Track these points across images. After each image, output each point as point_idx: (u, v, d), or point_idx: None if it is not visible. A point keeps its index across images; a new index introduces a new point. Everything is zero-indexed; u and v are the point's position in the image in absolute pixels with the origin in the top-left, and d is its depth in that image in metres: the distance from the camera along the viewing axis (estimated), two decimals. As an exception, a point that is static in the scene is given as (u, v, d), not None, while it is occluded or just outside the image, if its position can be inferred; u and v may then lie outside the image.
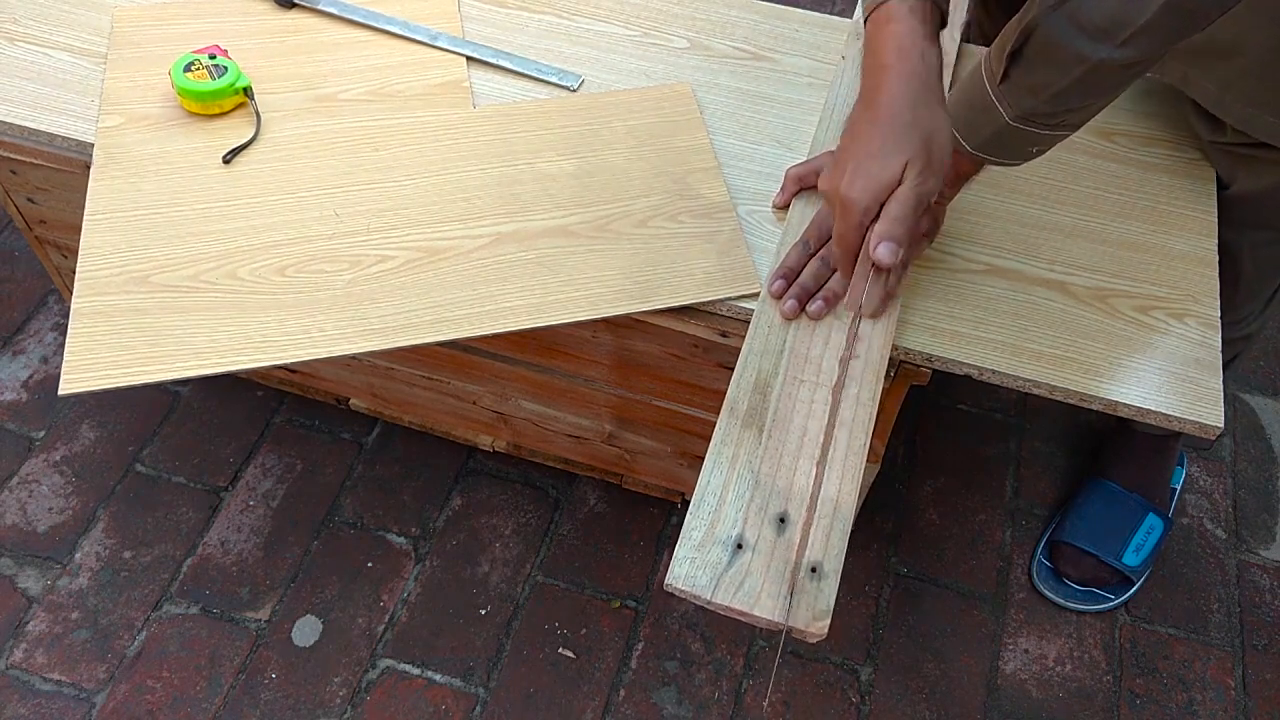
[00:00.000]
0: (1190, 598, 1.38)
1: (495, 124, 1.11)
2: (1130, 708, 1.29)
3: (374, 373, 1.34)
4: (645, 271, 0.99)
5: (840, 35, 1.22)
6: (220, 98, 1.10)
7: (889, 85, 0.80)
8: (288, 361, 0.93)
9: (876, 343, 0.92)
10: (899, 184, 0.80)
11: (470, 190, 1.05)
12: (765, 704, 1.27)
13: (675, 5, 1.25)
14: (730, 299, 0.98)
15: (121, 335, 0.94)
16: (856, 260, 0.86)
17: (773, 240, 1.02)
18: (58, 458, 1.46)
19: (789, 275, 0.96)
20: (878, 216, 0.82)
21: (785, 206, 1.05)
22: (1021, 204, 1.07)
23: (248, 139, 1.09)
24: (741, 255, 1.00)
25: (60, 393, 0.90)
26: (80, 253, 0.99)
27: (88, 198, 1.04)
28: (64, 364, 0.91)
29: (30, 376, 1.54)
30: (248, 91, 1.11)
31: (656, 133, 1.10)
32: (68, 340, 0.93)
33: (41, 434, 1.48)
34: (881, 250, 0.80)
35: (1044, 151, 0.90)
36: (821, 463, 0.85)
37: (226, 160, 1.07)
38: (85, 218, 1.02)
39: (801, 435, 0.86)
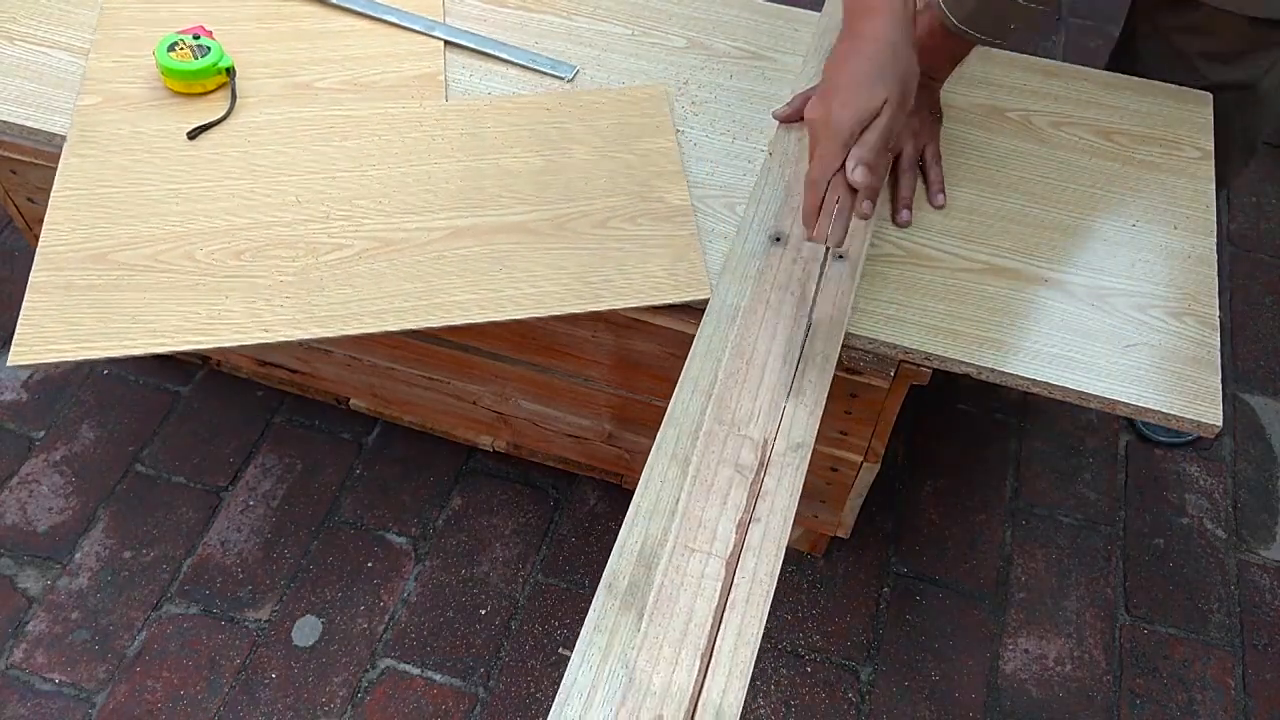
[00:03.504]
0: (1190, 598, 1.38)
1: (465, 118, 1.12)
2: (1130, 708, 1.29)
3: (374, 373, 1.34)
4: (598, 272, 1.00)
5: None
6: (203, 77, 1.11)
7: (876, 24, 0.86)
8: (232, 346, 0.94)
9: (780, 503, 0.83)
10: (878, 115, 0.84)
11: (432, 183, 1.06)
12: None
13: (674, 5, 1.25)
14: (677, 304, 0.98)
15: (75, 311, 0.95)
16: (830, 182, 0.87)
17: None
18: (58, 458, 1.46)
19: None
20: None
21: (786, 120, 1.10)
22: (1021, 203, 1.07)
23: (216, 119, 1.09)
24: (695, 261, 1.00)
25: (9, 364, 0.92)
26: (43, 228, 1.00)
27: (57, 174, 1.05)
28: (15, 336, 0.92)
29: (30, 376, 1.54)
30: (230, 72, 1.12)
31: (625, 134, 1.11)
32: (21, 313, 0.94)
33: (41, 434, 1.49)
34: (859, 173, 0.84)
35: (1020, 32, 0.98)
36: (706, 656, 0.75)
37: (191, 136, 1.08)
38: (52, 193, 1.03)
39: (687, 619, 0.77)
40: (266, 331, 0.94)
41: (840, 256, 0.97)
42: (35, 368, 1.53)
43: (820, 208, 0.87)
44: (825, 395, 0.89)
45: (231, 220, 1.02)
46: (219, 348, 0.95)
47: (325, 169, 1.07)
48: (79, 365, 1.55)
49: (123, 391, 1.53)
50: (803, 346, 0.92)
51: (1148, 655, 1.33)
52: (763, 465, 0.85)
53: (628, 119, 1.12)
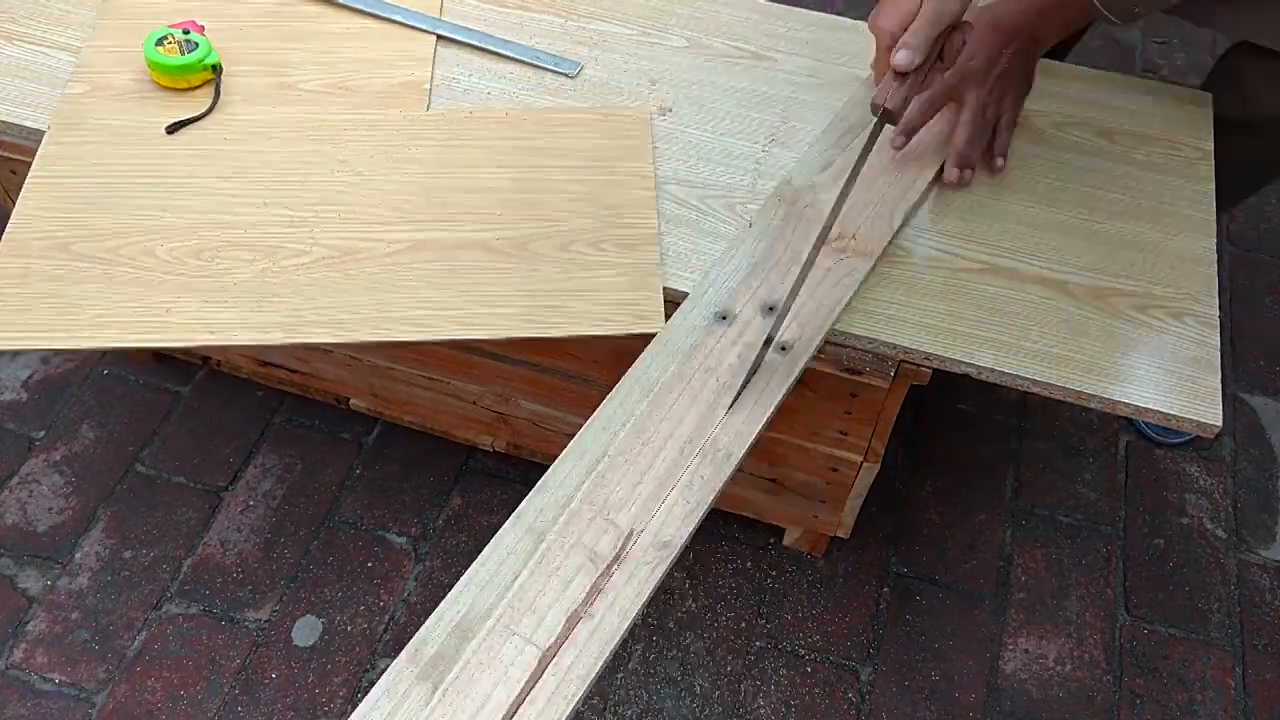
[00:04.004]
0: (1190, 598, 1.38)
1: (443, 130, 1.10)
2: (1130, 708, 1.29)
3: (374, 373, 1.34)
4: (552, 297, 0.97)
5: (840, 35, 1.22)
6: (188, 73, 1.11)
7: None
8: (177, 346, 0.95)
9: (622, 603, 0.77)
10: (917, 13, 0.88)
11: (400, 194, 1.04)
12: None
13: (675, 4, 1.25)
14: (626, 335, 0.96)
15: (31, 299, 0.95)
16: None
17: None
18: (58, 458, 1.46)
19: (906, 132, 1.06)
20: None
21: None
22: (1021, 203, 1.07)
23: (196, 114, 1.10)
24: (651, 292, 0.97)
25: None
26: (13, 213, 1.01)
27: (35, 160, 1.05)
28: None
29: (30, 376, 1.55)
30: (216, 69, 1.13)
31: (601, 156, 1.09)
32: None
33: (41, 434, 1.49)
34: (899, 56, 0.87)
35: (1144, 14, 0.99)
36: None
37: (170, 131, 1.08)
38: (27, 179, 1.03)
39: (480, 705, 0.72)
40: (213, 334, 0.94)
41: (784, 348, 0.92)
42: None
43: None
44: (713, 496, 0.83)
45: (196, 218, 1.02)
46: (165, 348, 0.95)
47: (297, 172, 1.06)
48: (79, 365, 1.55)
49: (123, 391, 1.53)
50: (708, 439, 0.86)
51: (1148, 655, 1.33)
52: (618, 559, 0.79)
53: (606, 141, 1.10)
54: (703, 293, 0.96)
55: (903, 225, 1.03)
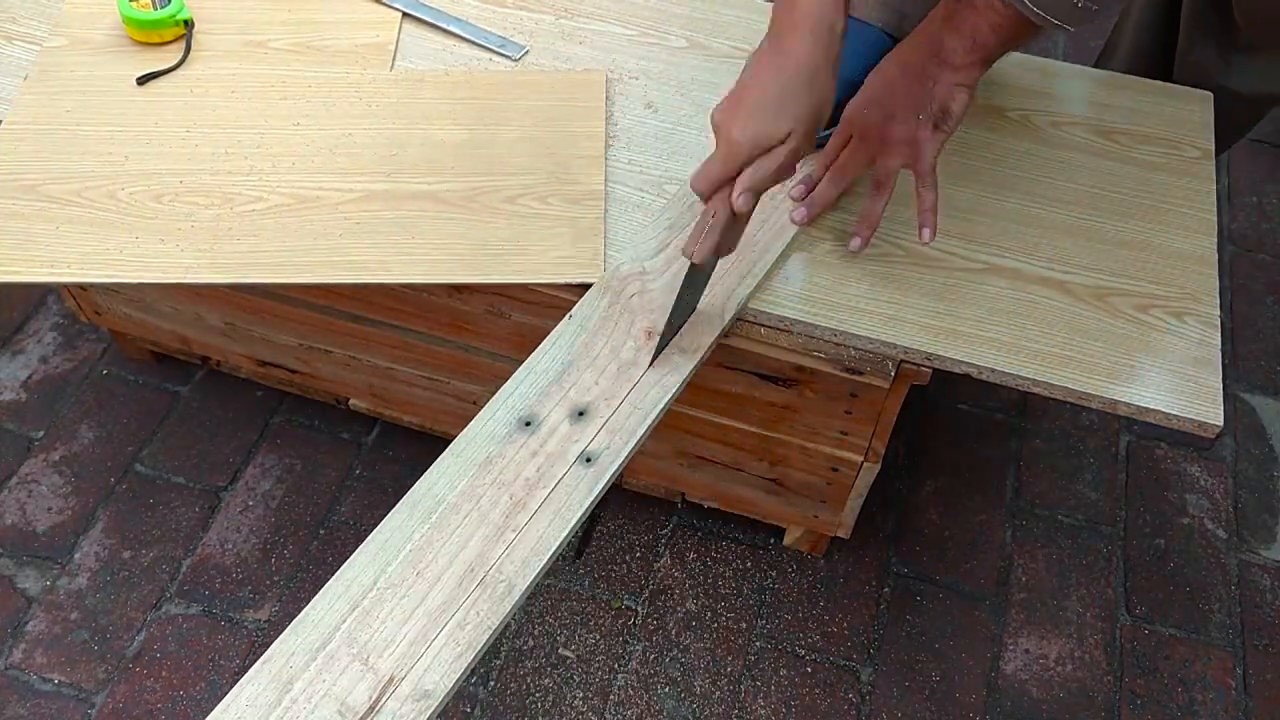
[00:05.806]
0: (1191, 597, 1.38)
1: (403, 88, 1.14)
2: (1130, 708, 1.29)
3: (374, 373, 1.34)
4: (497, 246, 1.01)
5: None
6: (161, 28, 1.15)
7: (799, 45, 0.81)
8: (129, 281, 0.98)
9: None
10: (780, 144, 0.81)
11: (357, 147, 1.08)
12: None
13: (674, 5, 1.25)
14: (569, 284, 0.98)
15: None
16: (713, 195, 0.84)
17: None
18: (57, 458, 1.46)
19: (809, 184, 1.02)
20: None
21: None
22: (1021, 203, 1.07)
23: (166, 67, 1.13)
24: (594, 245, 1.01)
25: None
26: None
27: (11, 107, 1.09)
28: None
29: (30, 376, 1.54)
30: (188, 25, 1.16)
31: (555, 116, 1.12)
32: None
33: (41, 434, 1.48)
34: (741, 199, 0.82)
35: (1090, 9, 0.83)
36: None
37: (140, 82, 1.12)
38: (2, 125, 1.08)
39: None
40: (164, 273, 0.98)
41: (589, 460, 0.83)
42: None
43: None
44: (487, 637, 0.75)
45: (159, 165, 1.06)
46: (115, 283, 0.99)
47: (259, 125, 1.10)
48: (79, 365, 1.55)
49: (122, 391, 1.53)
50: (491, 568, 0.77)
51: (1148, 655, 1.33)
52: (372, 710, 0.71)
53: (562, 101, 1.13)
54: (508, 395, 0.87)
55: (735, 317, 0.95)
